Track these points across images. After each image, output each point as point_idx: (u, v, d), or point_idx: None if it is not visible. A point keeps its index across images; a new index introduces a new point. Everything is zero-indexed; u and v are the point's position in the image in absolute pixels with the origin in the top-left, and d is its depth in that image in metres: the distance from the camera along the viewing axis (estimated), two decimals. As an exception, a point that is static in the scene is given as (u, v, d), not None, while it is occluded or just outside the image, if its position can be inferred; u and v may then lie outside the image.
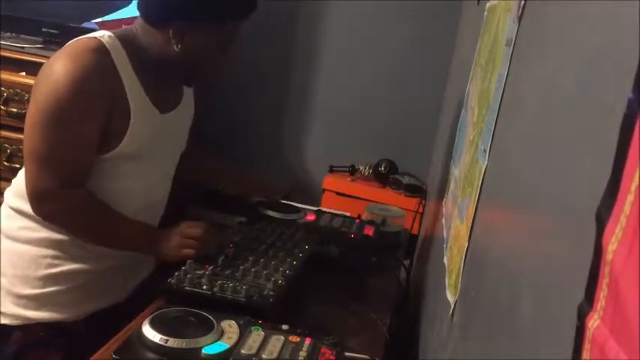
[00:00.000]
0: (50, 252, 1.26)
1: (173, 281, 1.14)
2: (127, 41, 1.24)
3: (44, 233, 1.25)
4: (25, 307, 1.26)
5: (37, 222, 1.24)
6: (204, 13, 1.22)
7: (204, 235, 1.27)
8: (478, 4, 1.63)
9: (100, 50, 1.19)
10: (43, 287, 1.25)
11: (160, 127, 1.32)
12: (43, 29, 2.25)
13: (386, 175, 2.51)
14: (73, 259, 1.27)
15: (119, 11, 2.19)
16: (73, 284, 1.28)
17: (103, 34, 1.22)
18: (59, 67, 1.15)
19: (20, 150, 1.93)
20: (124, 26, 1.32)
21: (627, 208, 0.31)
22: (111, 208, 1.26)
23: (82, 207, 1.23)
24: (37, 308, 1.26)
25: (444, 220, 1.43)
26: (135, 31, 1.27)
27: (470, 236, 0.92)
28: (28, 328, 1.26)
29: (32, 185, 1.19)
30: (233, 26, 1.27)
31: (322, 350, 0.98)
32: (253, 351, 0.94)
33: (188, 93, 1.45)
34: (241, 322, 1.02)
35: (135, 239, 1.30)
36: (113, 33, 1.24)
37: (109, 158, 1.23)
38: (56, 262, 1.26)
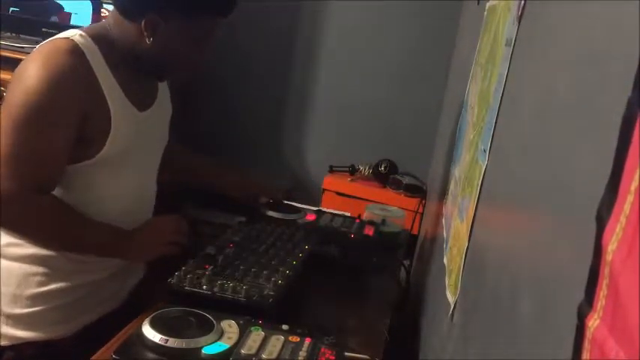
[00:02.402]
0: (39, 269, 1.21)
1: (173, 281, 1.14)
2: (100, 39, 1.19)
3: (32, 250, 1.20)
4: (16, 326, 1.22)
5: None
6: (176, 4, 1.17)
7: (182, 226, 1.26)
8: (478, 4, 1.63)
9: (74, 51, 1.14)
10: (33, 306, 1.21)
11: (141, 126, 1.27)
12: (43, 29, 2.25)
13: (386, 175, 2.51)
14: (63, 276, 1.23)
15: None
16: (63, 301, 1.24)
17: (75, 33, 1.17)
18: (31, 71, 1.11)
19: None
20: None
21: (627, 208, 0.31)
22: (76, 211, 1.18)
23: (44, 211, 1.15)
24: (27, 328, 1.22)
25: (444, 220, 1.43)
26: (108, 27, 1.22)
27: (470, 236, 0.92)
28: (20, 347, 1.22)
29: None
30: (208, 24, 1.22)
31: (322, 350, 0.98)
32: (253, 351, 0.94)
33: (163, 88, 1.41)
34: (241, 322, 1.02)
35: (104, 243, 1.22)
36: (85, 31, 1.19)
37: (92, 164, 1.19)
38: (45, 279, 1.22)
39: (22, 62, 1.15)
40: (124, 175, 1.27)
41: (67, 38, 1.16)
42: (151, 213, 1.41)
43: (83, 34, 1.18)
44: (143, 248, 1.24)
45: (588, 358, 0.34)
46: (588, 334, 0.34)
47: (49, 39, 1.18)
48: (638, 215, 0.30)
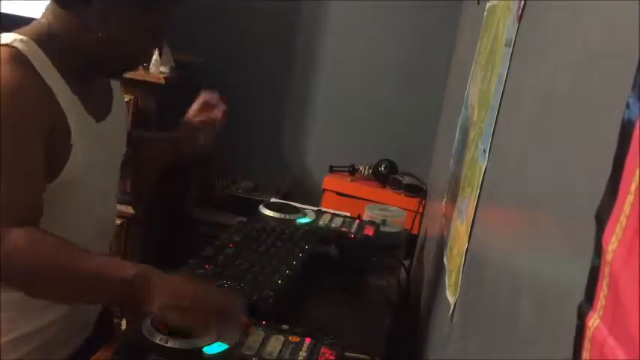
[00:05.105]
0: (5, 315, 1.05)
1: (173, 281, 1.14)
2: (42, 41, 1.01)
3: None
4: None
5: None
6: None
7: (227, 309, 0.94)
8: (478, 4, 1.63)
9: (19, 61, 0.95)
10: (6, 356, 1.07)
11: (100, 138, 1.10)
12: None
13: (386, 175, 2.51)
14: (30, 317, 1.08)
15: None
16: (36, 344, 1.10)
17: (14, 39, 0.97)
18: None
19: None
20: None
21: (627, 208, 0.31)
22: (78, 248, 0.95)
23: (40, 248, 0.93)
24: None
25: (444, 220, 1.43)
26: (47, 25, 1.03)
27: (470, 236, 0.92)
28: None
29: None
30: (163, 12, 1.07)
31: (322, 350, 0.98)
32: (253, 351, 0.95)
33: (117, 92, 1.23)
34: (241, 322, 1.02)
35: (118, 286, 0.91)
36: (22, 33, 1.00)
37: (52, 189, 1.01)
38: (12, 325, 1.07)
39: None
40: (86, 196, 1.10)
41: (7, 45, 0.96)
42: (111, 236, 1.28)
43: (23, 38, 0.99)
44: (169, 298, 0.91)
45: (588, 357, 0.34)
46: (588, 333, 0.34)
47: None
48: (638, 215, 0.30)
